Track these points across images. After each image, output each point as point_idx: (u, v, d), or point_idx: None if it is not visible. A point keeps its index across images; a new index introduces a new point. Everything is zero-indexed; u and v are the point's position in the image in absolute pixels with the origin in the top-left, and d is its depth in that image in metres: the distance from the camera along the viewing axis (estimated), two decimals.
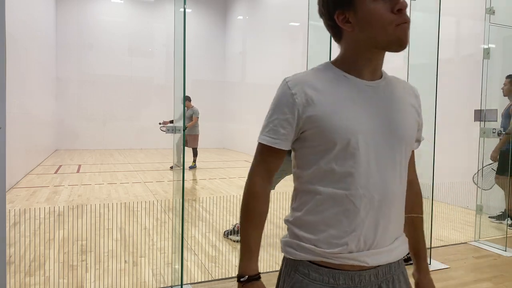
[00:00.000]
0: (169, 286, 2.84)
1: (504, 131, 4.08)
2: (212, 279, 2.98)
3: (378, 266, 0.96)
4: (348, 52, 0.97)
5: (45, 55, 10.94)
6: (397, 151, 0.96)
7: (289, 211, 1.06)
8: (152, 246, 3.68)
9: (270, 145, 0.97)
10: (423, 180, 3.37)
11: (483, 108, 4.00)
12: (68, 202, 5.44)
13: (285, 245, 1.02)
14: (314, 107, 0.92)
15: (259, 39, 13.03)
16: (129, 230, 4.16)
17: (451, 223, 4.71)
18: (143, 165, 9.69)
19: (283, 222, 1.07)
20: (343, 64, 0.98)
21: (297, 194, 1.02)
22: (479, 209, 4.15)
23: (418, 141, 1.10)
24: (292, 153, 1.03)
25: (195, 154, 9.00)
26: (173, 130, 2.69)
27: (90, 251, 3.48)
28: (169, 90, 3.24)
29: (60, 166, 9.38)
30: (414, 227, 1.11)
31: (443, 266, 3.26)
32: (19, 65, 7.22)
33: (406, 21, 0.89)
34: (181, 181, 2.74)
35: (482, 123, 3.96)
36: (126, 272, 3.06)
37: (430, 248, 3.32)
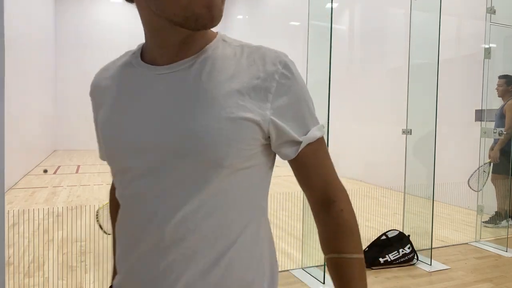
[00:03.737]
0: None
1: (503, 132, 4.06)
2: None
3: None
4: (144, 26, 0.70)
5: (44, 55, 10.93)
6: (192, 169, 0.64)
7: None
8: None
9: None
10: (424, 180, 3.35)
11: (483, 108, 3.99)
12: (67, 203, 5.43)
13: None
14: (99, 111, 0.75)
15: (259, 39, 13.02)
16: None
17: (451, 223, 4.69)
18: None
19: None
20: (145, 43, 0.73)
21: None
22: (480, 210, 4.13)
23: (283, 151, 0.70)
24: None
25: None
26: None
27: (89, 252, 3.46)
28: None
29: (59, 166, 9.37)
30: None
31: (444, 266, 3.25)
32: (18, 65, 7.21)
33: None
34: None
35: (483, 123, 3.95)
36: None
37: (431, 248, 3.31)
